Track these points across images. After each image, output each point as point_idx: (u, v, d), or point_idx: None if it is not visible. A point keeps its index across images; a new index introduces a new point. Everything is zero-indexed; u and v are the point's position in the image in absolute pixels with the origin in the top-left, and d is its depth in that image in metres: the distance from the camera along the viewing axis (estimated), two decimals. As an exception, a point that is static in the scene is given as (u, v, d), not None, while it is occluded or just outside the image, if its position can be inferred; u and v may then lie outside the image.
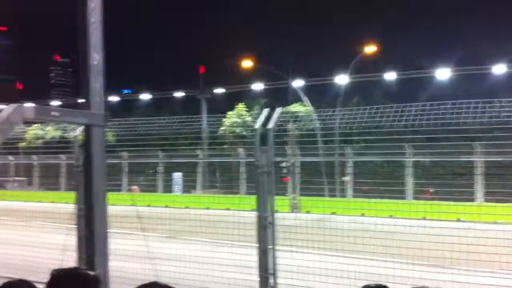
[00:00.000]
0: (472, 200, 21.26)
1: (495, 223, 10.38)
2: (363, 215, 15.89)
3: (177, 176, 30.99)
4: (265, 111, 6.61)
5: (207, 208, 18.23)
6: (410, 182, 23.43)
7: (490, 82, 35.96)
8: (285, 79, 36.78)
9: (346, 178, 25.45)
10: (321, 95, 37.75)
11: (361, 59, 36.09)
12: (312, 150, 24.35)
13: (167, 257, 7.90)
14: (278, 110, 6.62)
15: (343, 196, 25.48)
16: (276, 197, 6.28)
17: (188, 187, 30.86)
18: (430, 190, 24.61)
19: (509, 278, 7.73)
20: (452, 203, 16.54)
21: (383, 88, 38.28)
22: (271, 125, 6.31)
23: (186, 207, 19.21)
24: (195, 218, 9.76)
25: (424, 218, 11.97)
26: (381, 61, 39.24)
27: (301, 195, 23.63)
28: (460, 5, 39.65)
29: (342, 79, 35.39)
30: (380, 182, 22.16)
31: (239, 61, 40.69)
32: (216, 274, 7.51)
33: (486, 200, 20.97)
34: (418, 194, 23.41)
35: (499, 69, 33.33)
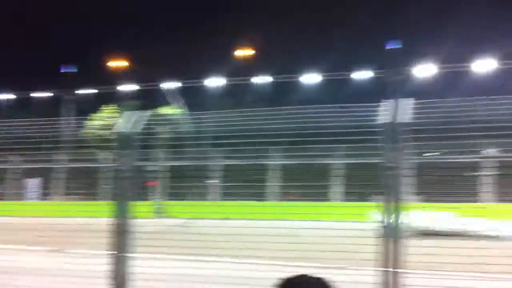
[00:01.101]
0: (330, 200, 22.55)
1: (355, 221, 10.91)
2: (229, 218, 15.96)
3: (33, 182, 28.85)
4: (129, 114, 6.31)
5: (63, 217, 17.11)
6: (274, 184, 24.17)
7: (355, 87, 38.56)
8: (158, 81, 36.22)
9: (213, 181, 25.58)
10: (195, 97, 37.70)
11: (236, 62, 36.68)
12: (181, 153, 24.09)
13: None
14: (144, 113, 6.36)
15: (211, 200, 25.55)
16: (140, 202, 6.00)
17: (47, 194, 28.91)
18: (292, 192, 25.60)
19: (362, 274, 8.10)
20: (312, 203, 17.34)
21: (258, 92, 39.23)
22: (134, 128, 6.04)
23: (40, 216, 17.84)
24: (46, 227, 9.05)
25: (284, 219, 12.32)
26: (257, 65, 40.20)
27: (170, 199, 23.24)
28: (331, 13, 42.01)
29: (215, 82, 35.66)
30: (248, 185, 22.54)
31: (111, 62, 39.29)
32: (59, 286, 6.96)
33: (345, 200, 22.30)
34: (282, 196, 24.24)
35: (362, 75, 36.23)
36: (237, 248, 6.95)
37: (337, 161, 20.40)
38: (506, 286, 7.24)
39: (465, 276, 7.01)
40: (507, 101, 7.31)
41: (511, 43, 37.82)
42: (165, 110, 32.63)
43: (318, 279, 2.32)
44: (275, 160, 22.64)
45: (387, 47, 42.03)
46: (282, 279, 2.32)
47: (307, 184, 23.13)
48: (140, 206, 6.07)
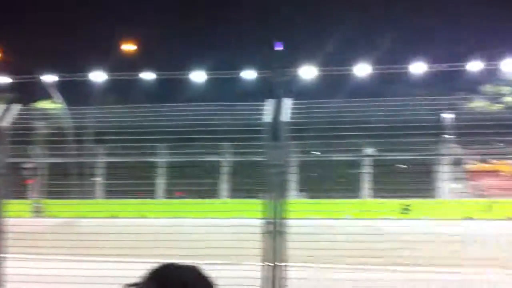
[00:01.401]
0: (218, 197, 22.77)
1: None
2: (113, 217, 15.51)
3: None
4: (-1, 108, 5.88)
5: None
6: (162, 182, 23.87)
7: (241, 87, 39.17)
8: (36, 74, 34.13)
9: (96, 179, 24.70)
10: (77, 92, 36.00)
11: (120, 57, 35.61)
12: (61, 150, 22.91)
13: None
14: (16, 106, 5.96)
15: (95, 198, 24.65)
16: (17, 201, 5.62)
17: None
18: (180, 189, 25.47)
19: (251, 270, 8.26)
20: (200, 201, 17.38)
21: (143, 88, 38.38)
22: (4, 123, 5.64)
23: None
24: None
25: (175, 217, 12.25)
26: (142, 60, 39.31)
27: (49, 198, 22.05)
28: (219, 11, 42.20)
29: (98, 77, 34.37)
30: (134, 182, 22.02)
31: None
32: None
33: (232, 197, 22.60)
34: (170, 194, 24.01)
35: (248, 74, 37.10)
36: (119, 247, 6.77)
37: (223, 159, 20.60)
38: (388, 276, 7.76)
39: (348, 269, 7.39)
40: (385, 103, 7.83)
41: (387, 48, 40.59)
42: (43, 105, 30.90)
43: (188, 266, 2.21)
44: (162, 158, 22.37)
45: (274, 48, 43.21)
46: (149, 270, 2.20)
47: (195, 182, 23.11)
48: (16, 205, 5.70)
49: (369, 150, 19.03)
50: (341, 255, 7.93)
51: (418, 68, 39.74)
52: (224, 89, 38.39)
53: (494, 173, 25.42)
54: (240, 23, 43.04)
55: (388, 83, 38.58)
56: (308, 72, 40.21)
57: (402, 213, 19.75)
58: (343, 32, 39.85)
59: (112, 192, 23.46)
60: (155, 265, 2.15)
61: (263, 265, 6.39)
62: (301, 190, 22.88)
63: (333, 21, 42.18)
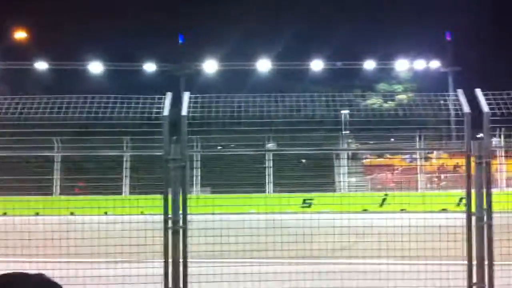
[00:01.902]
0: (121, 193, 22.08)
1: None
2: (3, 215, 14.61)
3: None
4: None
5: None
6: (58, 177, 22.75)
7: (142, 79, 38.35)
8: None
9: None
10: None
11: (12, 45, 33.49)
12: None
13: None
14: None
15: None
16: None
17: None
18: (80, 185, 24.46)
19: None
20: (100, 197, 16.72)
21: (39, 78, 36.41)
22: None
23: None
24: None
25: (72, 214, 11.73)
26: (35, 50, 37.27)
27: None
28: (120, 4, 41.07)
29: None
30: (27, 178, 20.81)
31: None
32: None
33: (131, 193, 22.02)
34: (67, 190, 22.97)
35: (149, 67, 36.75)
36: (9, 246, 6.34)
37: (121, 153, 20.00)
38: (288, 268, 7.88)
39: (246, 262, 7.41)
40: (286, 99, 7.92)
41: (289, 45, 41.47)
42: None
43: (27, 275, 1.97)
44: (58, 152, 21.32)
45: (178, 41, 42.70)
46: None
47: (95, 177, 22.27)
48: None
49: (271, 145, 19.40)
50: (243, 249, 7.96)
51: (317, 65, 41.14)
52: (124, 82, 37.47)
53: (388, 167, 26.90)
54: (143, 14, 42.08)
55: (289, 79, 39.50)
56: (210, 67, 40.16)
57: (303, 207, 20.30)
58: (247, 28, 40.22)
59: (2, 189, 22.01)
60: None
61: (164, 262, 6.26)
62: (203, 185, 22.81)
63: (238, 17, 42.42)
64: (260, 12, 44.40)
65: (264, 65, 40.24)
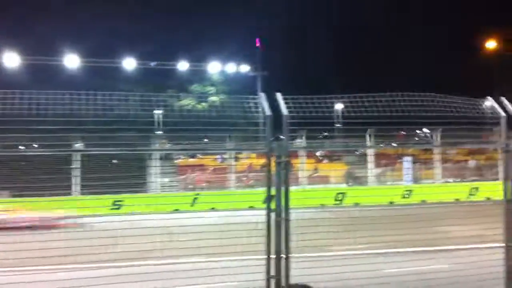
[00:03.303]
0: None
1: None
2: None
3: None
4: None
5: None
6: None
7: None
8: None
9: None
10: None
11: None
12: None
13: None
14: None
15: None
16: None
17: None
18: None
19: None
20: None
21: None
22: None
23: None
24: None
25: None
26: None
27: None
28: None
29: None
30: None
31: None
32: None
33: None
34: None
35: None
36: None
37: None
38: (96, 273, 7.53)
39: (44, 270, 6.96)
40: (97, 97, 7.58)
41: (101, 42, 39.98)
42: None
43: None
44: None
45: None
46: None
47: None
48: None
49: (79, 145, 18.43)
50: (43, 256, 7.45)
51: (130, 64, 40.18)
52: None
53: (200, 167, 27.46)
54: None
55: (100, 76, 38.00)
56: (11, 60, 36.69)
57: (113, 208, 19.70)
58: (53, 21, 37.82)
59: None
60: None
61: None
62: (2, 188, 20.89)
63: (44, 8, 39.67)
64: (70, 5, 42.13)
65: (72, 61, 38.08)
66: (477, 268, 6.97)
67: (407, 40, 49.18)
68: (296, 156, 24.27)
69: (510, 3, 48.55)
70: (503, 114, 7.52)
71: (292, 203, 6.79)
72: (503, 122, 7.49)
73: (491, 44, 52.26)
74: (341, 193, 22.96)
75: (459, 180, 26.44)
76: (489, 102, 7.79)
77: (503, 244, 6.65)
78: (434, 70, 47.36)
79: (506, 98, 7.71)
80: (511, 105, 7.58)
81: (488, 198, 18.97)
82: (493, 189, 7.00)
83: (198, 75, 45.02)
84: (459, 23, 48.46)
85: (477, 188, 22.39)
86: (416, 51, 49.24)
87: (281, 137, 7.11)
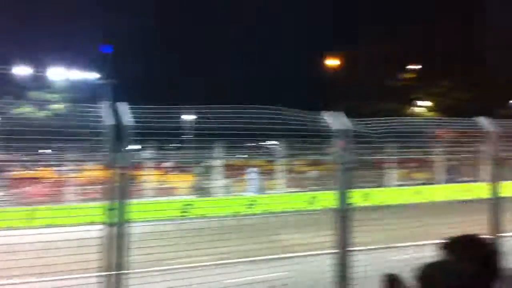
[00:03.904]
0: None
1: None
2: None
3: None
4: None
5: None
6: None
7: None
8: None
9: None
10: None
11: None
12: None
13: None
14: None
15: None
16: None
17: None
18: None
19: None
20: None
21: None
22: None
23: None
24: None
25: None
26: None
27: None
28: None
29: None
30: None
31: None
32: None
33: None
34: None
35: None
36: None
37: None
38: None
39: None
40: None
41: None
42: None
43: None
44: None
45: None
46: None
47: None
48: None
49: None
50: None
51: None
52: None
53: (37, 180, 25.55)
54: None
55: None
56: None
57: None
58: None
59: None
60: None
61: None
62: None
63: None
64: None
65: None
66: (312, 273, 7.35)
67: (251, 51, 51.16)
68: (142, 168, 23.76)
69: (345, 22, 52.96)
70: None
71: (136, 216, 6.58)
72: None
73: (329, 61, 56.56)
74: (188, 204, 22.94)
75: (300, 190, 27.85)
76: (327, 116, 8.22)
77: (336, 250, 7.08)
78: (277, 83, 49.94)
79: (343, 112, 8.20)
80: (347, 119, 8.06)
81: (325, 207, 20.25)
82: (330, 198, 7.49)
83: (40, 81, 42.19)
84: (293, 39, 51.63)
85: (316, 197, 23.70)
86: (260, 65, 51.51)
87: (125, 148, 6.87)
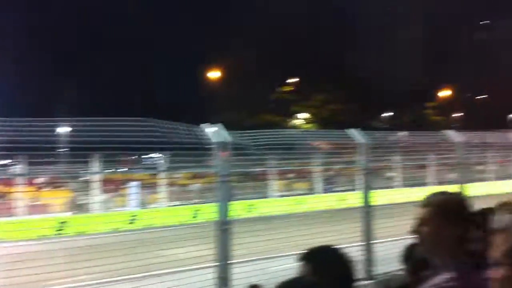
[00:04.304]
0: None
1: None
2: None
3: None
4: None
5: None
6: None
7: None
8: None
9: None
10: None
11: None
12: None
13: None
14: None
15: None
16: None
17: None
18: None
19: None
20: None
21: None
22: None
23: None
24: None
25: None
26: None
27: None
28: None
29: None
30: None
31: None
32: None
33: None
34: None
35: None
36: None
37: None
38: None
39: None
40: None
41: None
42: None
43: None
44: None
45: None
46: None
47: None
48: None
49: None
50: None
51: None
52: None
53: None
54: None
55: None
56: None
57: None
58: None
59: None
60: None
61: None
62: None
63: None
64: None
65: None
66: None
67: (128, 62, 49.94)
68: (12, 184, 22.14)
69: (224, 33, 53.58)
70: (218, 140, 7.91)
71: (2, 236, 6.08)
72: (219, 148, 7.82)
73: (210, 74, 56.90)
74: (63, 222, 21.70)
75: (183, 203, 27.53)
76: (207, 129, 8.18)
77: (217, 263, 7.05)
78: (155, 96, 49.24)
79: (221, 124, 8.21)
80: (226, 132, 8.07)
81: (208, 220, 20.14)
82: (213, 211, 7.49)
83: None
84: (179, 51, 51.34)
85: (199, 210, 23.56)
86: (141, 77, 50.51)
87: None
